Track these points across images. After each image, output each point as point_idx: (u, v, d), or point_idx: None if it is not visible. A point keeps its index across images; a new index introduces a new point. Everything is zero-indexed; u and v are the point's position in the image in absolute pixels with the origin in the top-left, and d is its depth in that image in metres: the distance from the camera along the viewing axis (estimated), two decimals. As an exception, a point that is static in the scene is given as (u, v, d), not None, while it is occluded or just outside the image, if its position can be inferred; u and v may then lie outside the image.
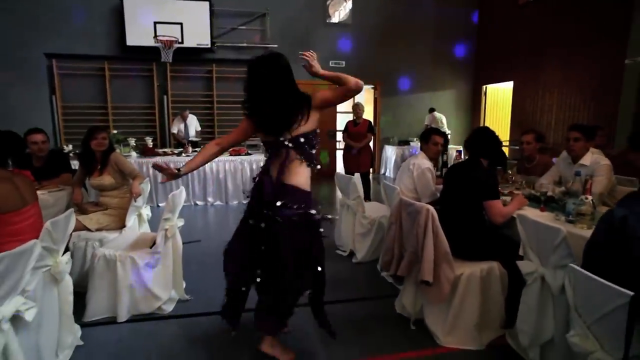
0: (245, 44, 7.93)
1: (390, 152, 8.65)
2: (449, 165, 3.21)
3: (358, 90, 1.88)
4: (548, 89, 7.35)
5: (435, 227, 2.17)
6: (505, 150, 8.20)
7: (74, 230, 2.41)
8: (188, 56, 7.61)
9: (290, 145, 1.85)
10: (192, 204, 5.83)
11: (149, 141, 6.29)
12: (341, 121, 7.65)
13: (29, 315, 1.47)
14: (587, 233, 1.82)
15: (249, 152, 6.30)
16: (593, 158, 2.83)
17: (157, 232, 2.63)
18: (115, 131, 6.45)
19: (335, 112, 9.00)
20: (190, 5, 7.44)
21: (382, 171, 8.96)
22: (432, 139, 3.16)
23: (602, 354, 1.24)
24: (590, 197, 2.01)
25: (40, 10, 7.11)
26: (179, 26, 7.36)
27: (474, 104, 9.54)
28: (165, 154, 6.06)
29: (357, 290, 3.05)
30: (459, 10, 9.08)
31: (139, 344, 2.32)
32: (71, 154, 5.21)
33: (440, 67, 9.21)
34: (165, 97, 7.88)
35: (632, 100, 5.71)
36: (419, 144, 3.42)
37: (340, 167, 6.79)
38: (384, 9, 8.61)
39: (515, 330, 2.13)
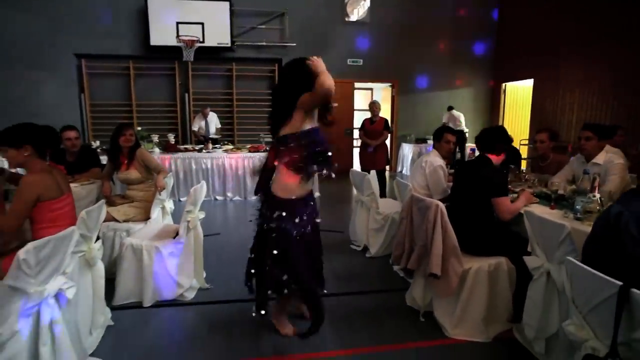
0: (264, 43, 8.08)
1: (407, 150, 8.67)
2: (464, 163, 3.26)
3: (324, 93, 1.91)
4: (569, 87, 7.24)
5: (444, 222, 2.25)
6: (524, 149, 8.12)
7: (103, 221, 2.59)
8: (209, 55, 7.81)
9: (277, 144, 2.03)
10: (212, 198, 6.02)
11: (171, 138, 6.52)
12: (358, 119, 7.72)
13: (70, 293, 1.64)
14: (593, 230, 1.87)
15: (267, 149, 6.44)
16: (607, 157, 2.85)
17: (180, 223, 2.79)
18: (139, 128, 6.71)
19: (353, 110, 9.08)
20: (211, 5, 7.64)
21: (399, 169, 8.99)
22: (444, 137, 3.22)
23: (595, 342, 1.31)
24: (598, 195, 2.06)
25: (70, 13, 7.43)
26: (200, 26, 7.56)
27: (493, 102, 9.45)
28: (186, 150, 6.27)
29: (369, 283, 3.15)
30: (479, 7, 9.00)
31: (163, 327, 2.49)
32: (99, 150, 5.46)
33: (459, 64, 9.15)
34: (186, 95, 8.11)
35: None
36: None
37: (357, 165, 6.87)
38: (402, 6, 8.61)
39: (522, 325, 2.19)
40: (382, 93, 10.42)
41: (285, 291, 2.08)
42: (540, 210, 2.45)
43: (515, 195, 2.68)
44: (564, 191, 2.69)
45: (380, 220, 3.57)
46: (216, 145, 6.55)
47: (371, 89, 11.08)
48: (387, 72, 8.84)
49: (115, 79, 7.95)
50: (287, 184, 2.02)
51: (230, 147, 6.63)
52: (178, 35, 7.21)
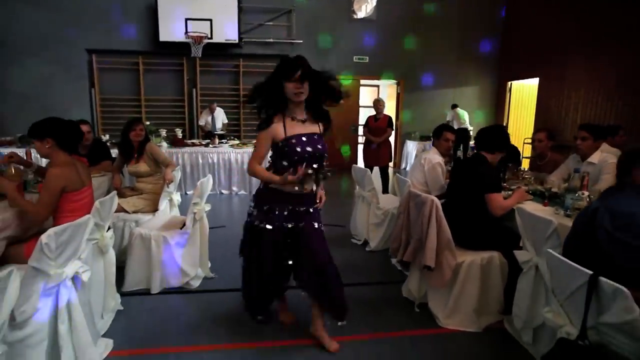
0: (271, 40, 8.18)
1: (412, 148, 8.75)
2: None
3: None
4: (574, 87, 7.25)
5: (438, 216, 2.35)
6: (528, 147, 8.15)
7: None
8: (216, 51, 7.93)
9: None
10: (218, 192, 6.15)
11: (179, 132, 6.67)
12: (363, 116, 7.81)
13: (85, 276, 1.77)
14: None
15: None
16: (602, 156, 2.92)
17: (187, 215, 2.91)
18: (147, 122, 6.85)
19: (358, 107, 9.16)
20: (220, 2, 7.73)
21: (403, 166, 9.06)
22: (443, 135, 3.31)
23: (570, 327, 1.41)
24: (586, 193, 2.14)
25: (82, 9, 7.59)
26: (208, 22, 7.67)
27: (499, 101, 9.47)
28: (193, 144, 6.41)
29: (368, 275, 3.26)
30: (486, 5, 9.01)
31: (170, 313, 2.62)
32: (109, 143, 5.61)
33: (465, 62, 9.18)
34: (194, 90, 8.25)
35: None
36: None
37: (361, 161, 6.97)
38: (408, 4, 8.65)
39: (512, 316, 2.29)
40: (388, 90, 10.48)
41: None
42: (534, 207, 2.53)
43: (511, 192, 2.77)
44: (558, 189, 2.77)
45: (381, 215, 3.67)
46: (222, 140, 6.68)
47: (377, 86, 11.15)
48: (393, 70, 8.90)
49: (124, 74, 8.11)
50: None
51: (237, 142, 6.75)
52: (187, 32, 7.34)
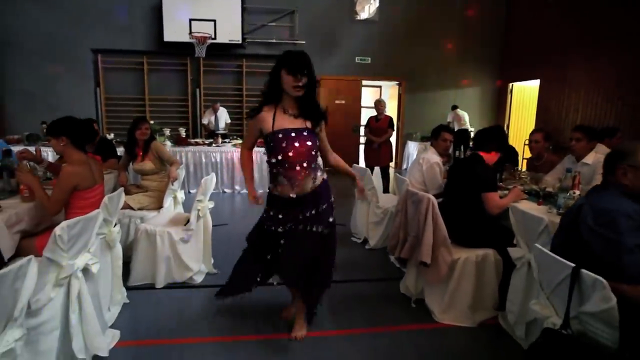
0: (274, 40, 8.26)
1: (413, 148, 8.80)
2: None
3: None
4: (574, 88, 7.30)
5: (434, 214, 2.42)
6: (528, 149, 8.20)
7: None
8: (220, 51, 8.01)
9: None
10: (221, 191, 6.24)
11: (182, 132, 6.76)
12: (365, 116, 7.89)
13: (95, 268, 1.86)
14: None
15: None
16: (596, 157, 2.98)
17: (191, 212, 3.00)
18: (152, 121, 6.94)
19: (360, 108, 9.23)
20: (224, 2, 7.81)
21: (404, 166, 9.12)
22: (441, 135, 3.38)
23: (555, 318, 1.49)
24: (578, 192, 2.21)
25: (88, 9, 7.69)
26: (212, 23, 7.75)
27: (500, 102, 9.51)
28: (197, 144, 6.50)
29: (368, 272, 3.34)
30: (487, 7, 9.06)
31: (174, 307, 2.70)
32: (114, 142, 5.71)
33: (466, 64, 9.23)
34: (197, 90, 8.34)
35: (658, 101, 5.66)
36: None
37: (362, 161, 7.04)
38: (410, 6, 8.71)
39: (506, 312, 2.36)
40: (390, 91, 10.55)
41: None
42: (529, 206, 2.60)
43: (507, 192, 2.84)
44: (553, 189, 2.84)
45: (380, 214, 3.74)
46: (225, 140, 6.77)
47: (380, 87, 11.21)
48: (394, 71, 8.97)
49: (129, 74, 8.20)
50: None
51: (239, 141, 6.84)
52: (191, 32, 7.43)
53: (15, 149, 3.71)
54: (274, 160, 1.99)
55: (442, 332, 2.45)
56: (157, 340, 2.32)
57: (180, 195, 3.77)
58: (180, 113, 8.44)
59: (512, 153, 3.96)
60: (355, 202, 4.25)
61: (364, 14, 8.68)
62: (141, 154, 3.53)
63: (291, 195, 2.01)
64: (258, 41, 8.25)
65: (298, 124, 2.01)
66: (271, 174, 2.08)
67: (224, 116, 7.71)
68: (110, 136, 6.69)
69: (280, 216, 2.07)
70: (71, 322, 1.77)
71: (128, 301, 2.63)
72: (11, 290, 1.26)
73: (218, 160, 6.22)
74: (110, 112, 8.20)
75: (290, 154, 1.95)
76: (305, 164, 2.00)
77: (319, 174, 2.10)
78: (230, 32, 7.89)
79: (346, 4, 8.57)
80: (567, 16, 7.36)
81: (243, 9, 7.91)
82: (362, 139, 8.83)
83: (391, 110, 9.11)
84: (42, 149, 4.63)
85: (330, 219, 2.16)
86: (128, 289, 2.76)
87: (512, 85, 9.21)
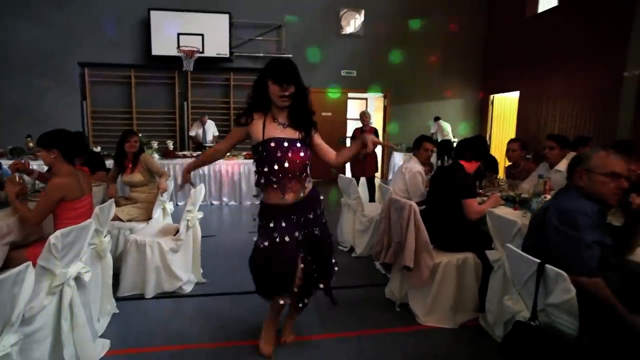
0: (261, 54, 8.41)
1: (398, 159, 8.96)
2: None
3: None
4: (552, 99, 7.60)
5: (416, 220, 2.53)
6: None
7: (110, 219, 2.85)
8: (208, 65, 8.12)
9: None
10: (209, 203, 6.27)
11: (170, 144, 6.80)
12: (351, 128, 8.05)
13: (87, 277, 1.90)
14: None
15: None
16: (567, 164, 3.14)
17: (180, 222, 3.05)
18: (139, 135, 6.96)
19: (346, 119, 9.40)
20: (211, 17, 7.96)
21: (390, 176, 9.27)
22: (422, 145, 3.53)
23: (526, 312, 1.60)
24: (548, 197, 2.35)
25: (75, 23, 7.74)
26: (200, 37, 7.88)
27: (482, 113, 9.81)
28: (184, 156, 6.54)
29: (354, 279, 3.41)
30: (469, 22, 9.38)
31: (164, 316, 2.74)
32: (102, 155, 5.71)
33: (449, 76, 9.51)
34: (185, 103, 8.41)
35: (630, 112, 5.94)
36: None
37: (348, 172, 7.16)
38: (394, 20, 8.98)
39: (486, 313, 2.47)
40: (375, 103, 10.77)
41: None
42: (505, 211, 2.72)
43: (486, 198, 2.97)
44: (528, 195, 2.98)
45: (366, 222, 3.84)
46: (213, 152, 6.81)
47: (365, 99, 11.44)
48: (379, 83, 9.19)
49: (116, 87, 8.24)
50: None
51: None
52: (179, 46, 7.51)
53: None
54: (266, 170, 1.91)
55: (426, 334, 2.54)
56: (147, 348, 2.35)
57: (169, 206, 3.82)
58: (168, 126, 8.48)
59: (492, 162, 4.13)
60: (341, 211, 4.35)
61: (349, 28, 8.91)
62: (130, 166, 3.58)
63: (287, 202, 1.97)
64: (245, 55, 8.39)
65: (289, 133, 1.95)
66: (261, 184, 2.00)
67: (211, 129, 7.77)
68: (97, 149, 6.69)
69: (284, 224, 1.99)
70: (63, 329, 1.81)
71: (117, 311, 2.66)
72: (9, 296, 1.31)
73: (206, 172, 6.26)
74: (96, 125, 8.19)
75: (286, 164, 1.89)
76: (297, 174, 1.95)
77: (308, 182, 2.08)
78: (217, 46, 8.02)
79: (331, 19, 8.80)
80: (543, 32, 7.71)
81: (230, 24, 8.05)
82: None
83: (377, 122, 9.31)
84: (30, 162, 4.61)
85: (324, 220, 2.20)
86: (117, 299, 2.79)
87: (493, 97, 9.52)
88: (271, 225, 2.00)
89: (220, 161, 6.32)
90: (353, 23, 8.92)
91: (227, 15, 8.00)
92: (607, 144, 5.86)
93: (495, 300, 2.31)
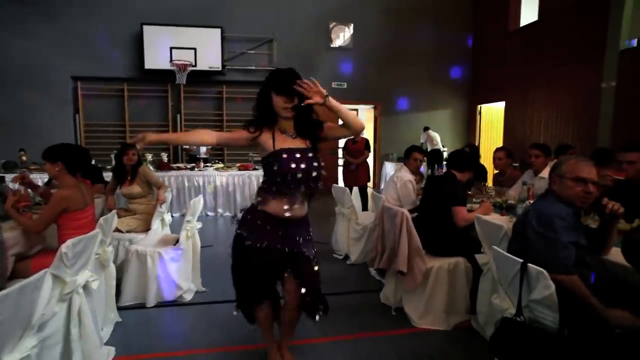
0: (253, 67, 8.56)
1: (389, 169, 9.13)
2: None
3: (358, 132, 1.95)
4: (536, 109, 7.86)
5: (408, 226, 2.65)
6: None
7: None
8: (200, 78, 8.24)
9: None
10: (204, 214, 6.33)
11: (164, 157, 6.87)
12: (342, 139, 8.20)
13: (94, 285, 1.98)
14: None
15: (256, 167, 6.81)
16: (551, 172, 3.31)
17: (180, 232, 3.13)
18: (137, 147, 7.01)
19: (337, 130, 9.55)
20: (204, 31, 8.11)
21: (382, 186, 9.42)
22: (412, 155, 3.68)
23: (512, 309, 1.72)
24: (532, 202, 2.49)
25: (68, 37, 7.81)
26: (192, 51, 8.00)
27: (470, 123, 10.06)
28: (179, 168, 6.61)
29: (350, 286, 3.52)
30: (455, 34, 9.67)
31: (166, 323, 2.81)
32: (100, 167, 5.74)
33: (438, 87, 9.77)
34: (178, 116, 8.49)
35: (608, 120, 6.20)
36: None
37: (341, 182, 7.29)
38: (383, 33, 9.23)
39: (477, 314, 2.58)
40: (366, 114, 10.96)
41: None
42: (493, 216, 2.87)
43: (477, 205, 3.11)
44: (515, 201, 3.13)
45: (360, 230, 3.95)
46: (207, 164, 6.91)
47: (356, 110, 11.63)
48: (369, 95, 9.39)
49: (109, 101, 8.30)
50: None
51: (221, 165, 6.99)
52: (171, 60, 7.63)
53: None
54: (279, 179, 1.84)
55: (420, 336, 2.65)
56: (151, 354, 2.41)
57: (168, 217, 3.89)
58: (161, 138, 8.52)
59: (482, 170, 4.29)
60: (336, 220, 4.45)
61: (339, 42, 9.14)
62: (129, 178, 3.65)
63: (286, 214, 1.90)
64: (237, 68, 8.54)
65: (299, 143, 1.92)
66: (264, 190, 1.92)
67: (205, 141, 7.83)
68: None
69: (269, 227, 1.91)
70: (72, 336, 1.87)
71: (120, 319, 2.71)
72: (29, 300, 1.39)
73: (201, 183, 6.34)
74: (89, 139, 8.22)
75: (299, 175, 1.83)
76: (311, 185, 1.90)
77: (306, 205, 2.01)
78: (210, 59, 8.15)
79: (322, 32, 9.01)
80: (525, 45, 8.01)
81: (223, 38, 8.21)
82: (341, 161, 9.15)
83: (368, 133, 9.48)
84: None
85: (309, 237, 2.07)
86: (119, 308, 2.84)
87: (480, 107, 9.79)
88: (258, 222, 1.92)
89: (215, 172, 6.41)
90: (342, 36, 9.15)
91: (219, 30, 8.16)
92: (588, 152, 6.11)
93: (486, 302, 2.43)
